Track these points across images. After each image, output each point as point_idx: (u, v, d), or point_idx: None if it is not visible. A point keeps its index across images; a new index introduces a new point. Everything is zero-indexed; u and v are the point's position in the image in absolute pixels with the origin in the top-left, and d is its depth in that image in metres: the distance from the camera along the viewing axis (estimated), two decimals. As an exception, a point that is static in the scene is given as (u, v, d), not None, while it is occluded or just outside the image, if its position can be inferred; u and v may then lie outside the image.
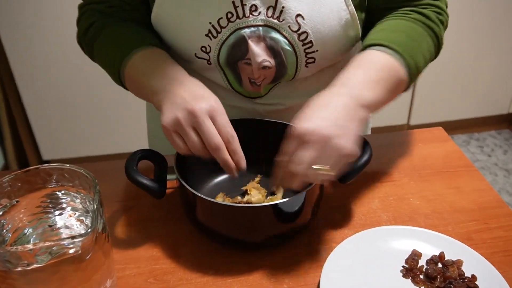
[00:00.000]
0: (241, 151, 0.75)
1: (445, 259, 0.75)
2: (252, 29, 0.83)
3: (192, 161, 0.85)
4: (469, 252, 0.75)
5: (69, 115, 2.41)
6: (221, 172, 0.93)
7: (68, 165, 0.67)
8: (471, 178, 0.95)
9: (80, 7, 0.93)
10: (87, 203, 0.68)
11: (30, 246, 0.55)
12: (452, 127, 2.83)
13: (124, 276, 0.76)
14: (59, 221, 0.69)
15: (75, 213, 0.69)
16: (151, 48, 0.84)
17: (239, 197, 0.86)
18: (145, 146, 1.22)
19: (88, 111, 2.41)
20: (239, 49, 0.85)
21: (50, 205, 0.69)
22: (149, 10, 0.88)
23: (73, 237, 0.56)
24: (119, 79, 0.86)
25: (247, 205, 0.78)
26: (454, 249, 0.76)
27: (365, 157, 0.79)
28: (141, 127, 1.24)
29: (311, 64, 0.88)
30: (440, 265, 0.75)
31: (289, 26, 0.82)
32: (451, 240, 0.78)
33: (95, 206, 0.60)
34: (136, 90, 0.86)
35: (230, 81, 0.92)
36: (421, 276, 0.73)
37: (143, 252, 0.80)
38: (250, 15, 0.82)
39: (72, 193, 0.69)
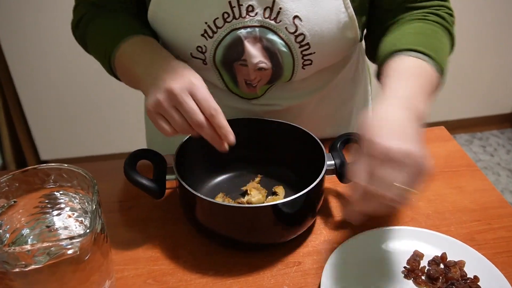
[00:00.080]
0: (227, 124, 0.72)
1: (447, 259, 0.75)
2: (249, 30, 0.82)
3: (191, 161, 0.85)
4: (472, 252, 0.75)
5: (67, 115, 2.41)
6: (221, 172, 0.93)
7: (66, 165, 0.66)
8: (473, 178, 0.95)
9: None
10: (86, 203, 0.67)
11: (28, 247, 0.54)
12: (454, 126, 2.82)
13: (123, 277, 0.75)
14: (57, 221, 0.68)
15: (73, 214, 0.69)
16: (139, 36, 0.84)
17: (242, 199, 0.86)
18: (144, 146, 1.21)
19: (86, 111, 2.41)
20: (235, 50, 0.84)
21: (48, 206, 0.68)
22: (145, 6, 0.87)
23: (71, 238, 0.55)
24: (111, 70, 0.86)
25: (247, 205, 0.77)
26: (456, 250, 0.76)
27: (366, 157, 0.79)
28: (139, 127, 1.23)
29: (308, 66, 0.87)
30: (442, 266, 0.74)
31: (286, 28, 0.81)
32: (453, 241, 0.77)
33: (94, 207, 0.60)
34: (126, 79, 0.86)
35: (226, 82, 0.92)
36: (423, 277, 0.73)
37: (142, 253, 0.79)
38: (247, 16, 0.81)
39: (71, 194, 0.68)
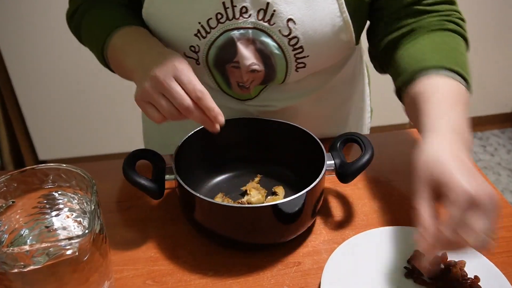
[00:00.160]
0: (215, 106, 0.71)
1: (448, 259, 0.74)
2: (242, 31, 0.81)
3: (191, 161, 0.84)
4: (472, 252, 0.75)
5: (65, 115, 2.40)
6: (220, 172, 0.93)
7: (64, 165, 0.66)
8: (472, 177, 0.94)
9: None
10: (84, 203, 0.67)
11: (26, 247, 0.54)
12: (455, 126, 2.82)
13: (122, 277, 0.75)
14: (56, 222, 0.68)
15: (72, 214, 0.68)
16: (131, 27, 0.84)
17: (241, 199, 0.85)
18: (143, 146, 1.21)
19: (85, 111, 2.40)
20: (228, 51, 0.84)
21: (47, 206, 0.68)
22: (140, 2, 0.87)
23: (70, 238, 0.55)
24: (105, 61, 0.86)
25: (246, 205, 0.77)
26: (457, 250, 0.75)
27: (367, 157, 0.79)
28: (138, 127, 1.23)
29: (301, 69, 0.86)
30: (442, 265, 0.74)
31: (279, 30, 0.80)
32: (453, 241, 0.77)
33: (93, 207, 0.59)
34: (118, 70, 0.86)
35: (218, 83, 0.91)
36: (423, 277, 0.72)
37: (141, 253, 0.79)
38: (240, 17, 0.80)
39: (69, 194, 0.68)
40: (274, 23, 0.80)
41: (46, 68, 2.25)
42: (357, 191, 0.91)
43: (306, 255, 0.78)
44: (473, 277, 0.72)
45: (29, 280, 0.57)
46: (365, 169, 0.79)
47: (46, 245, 0.54)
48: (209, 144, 0.89)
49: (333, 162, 0.81)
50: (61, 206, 0.68)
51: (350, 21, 0.82)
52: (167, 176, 0.78)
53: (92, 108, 2.40)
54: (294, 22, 0.79)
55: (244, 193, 0.87)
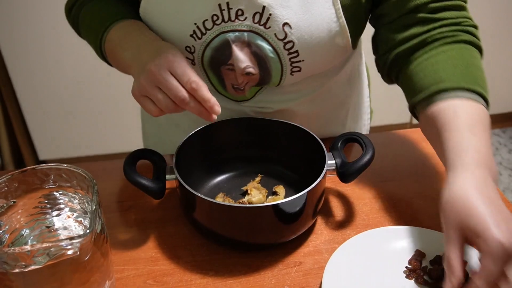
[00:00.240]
0: (211, 97, 0.71)
1: (449, 259, 0.74)
2: (237, 33, 0.81)
3: (191, 160, 0.84)
4: (473, 252, 0.74)
5: (66, 115, 2.40)
6: (221, 171, 0.93)
7: (65, 165, 0.66)
8: (473, 177, 0.94)
9: None
10: (85, 203, 0.67)
11: (27, 247, 0.54)
12: (456, 125, 2.82)
13: (123, 277, 0.75)
14: (57, 222, 0.68)
15: (73, 214, 0.68)
16: (128, 21, 0.84)
17: (242, 198, 0.85)
18: (143, 145, 1.21)
19: (85, 111, 2.40)
20: (223, 53, 0.83)
21: (48, 206, 0.68)
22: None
23: (71, 238, 0.55)
24: (103, 55, 0.87)
25: (247, 205, 0.77)
26: (458, 250, 0.75)
27: (368, 156, 0.78)
28: (139, 127, 1.23)
29: (296, 73, 0.86)
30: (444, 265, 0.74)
31: (275, 34, 0.80)
32: (454, 240, 0.77)
33: (94, 207, 0.59)
34: (116, 64, 0.86)
35: (214, 84, 0.91)
36: (425, 277, 0.72)
37: (142, 253, 0.79)
38: (236, 20, 0.80)
39: (70, 194, 0.68)
40: (269, 27, 0.79)
41: (47, 68, 2.25)
42: (358, 191, 0.91)
43: (307, 255, 0.78)
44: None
45: (30, 280, 0.57)
46: (366, 169, 0.79)
47: (47, 245, 0.54)
48: (209, 144, 0.89)
49: (334, 161, 0.81)
50: (62, 206, 0.68)
51: (346, 26, 0.82)
52: (168, 176, 0.78)
53: (92, 108, 2.39)
54: (290, 26, 0.79)
55: (245, 193, 0.87)
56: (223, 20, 0.80)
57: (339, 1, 0.79)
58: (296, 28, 0.79)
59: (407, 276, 0.73)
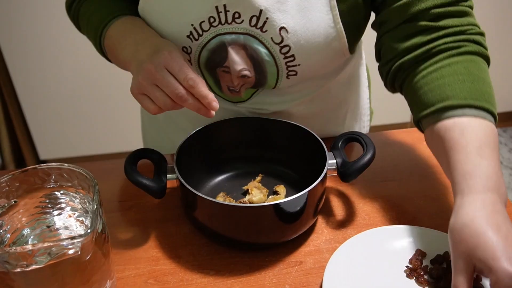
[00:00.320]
0: (208, 92, 0.70)
1: (450, 259, 0.74)
2: (234, 36, 0.81)
3: (192, 160, 0.84)
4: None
5: (66, 114, 2.40)
6: (222, 171, 0.93)
7: (66, 164, 0.66)
8: (474, 177, 0.94)
9: None
10: (86, 203, 0.67)
11: (29, 247, 0.54)
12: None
13: (124, 277, 0.75)
14: (58, 221, 0.68)
15: (74, 214, 0.68)
16: (126, 17, 0.84)
17: (243, 198, 0.85)
18: (143, 145, 1.21)
19: (86, 110, 2.40)
20: (219, 55, 0.84)
21: (49, 206, 0.68)
22: None
23: (72, 238, 0.55)
24: (102, 52, 0.87)
25: (248, 205, 0.77)
26: (458, 249, 0.75)
27: (368, 156, 0.78)
28: (139, 126, 1.23)
29: (292, 77, 0.86)
30: (444, 265, 0.74)
31: (271, 38, 0.80)
32: (455, 240, 0.77)
33: (95, 206, 0.59)
34: (116, 61, 0.86)
35: (210, 86, 0.91)
36: (425, 276, 0.72)
37: (142, 253, 0.79)
38: (233, 22, 0.80)
39: (71, 193, 0.68)
40: (266, 30, 0.79)
41: (47, 67, 2.25)
42: (358, 190, 0.91)
43: (307, 254, 0.78)
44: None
45: (31, 280, 0.57)
46: (367, 169, 0.79)
47: (48, 244, 0.54)
48: (210, 144, 0.89)
49: (334, 161, 0.81)
50: (63, 205, 0.68)
51: (343, 32, 0.81)
52: (168, 176, 0.78)
53: (93, 108, 2.39)
54: (286, 30, 0.79)
55: (246, 193, 0.87)
56: (220, 22, 0.80)
57: (337, 7, 0.79)
58: (292, 33, 0.79)
59: (408, 276, 0.73)
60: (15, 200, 0.65)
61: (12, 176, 0.65)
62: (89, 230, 0.56)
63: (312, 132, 0.85)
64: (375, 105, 1.19)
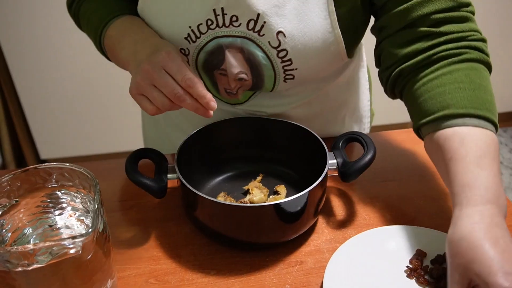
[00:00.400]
0: (207, 93, 0.71)
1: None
2: (231, 39, 0.81)
3: (193, 160, 0.84)
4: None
5: (67, 114, 2.40)
6: (222, 171, 0.93)
7: (68, 164, 0.66)
8: (474, 177, 0.94)
9: None
10: (87, 203, 0.67)
11: (30, 246, 0.54)
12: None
13: (125, 276, 0.75)
14: (59, 221, 0.68)
15: (75, 213, 0.68)
16: (125, 17, 0.84)
17: (244, 198, 0.85)
18: (143, 145, 1.21)
19: (86, 110, 2.40)
20: (216, 58, 0.84)
21: (50, 205, 0.68)
22: None
23: (73, 237, 0.55)
24: (102, 51, 0.87)
25: (249, 204, 0.77)
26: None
27: (369, 156, 0.79)
28: (140, 126, 1.23)
29: (290, 80, 0.86)
30: (445, 265, 0.74)
31: (269, 42, 0.80)
32: (455, 240, 0.77)
33: (96, 206, 0.59)
34: (116, 61, 0.86)
35: (207, 87, 0.91)
36: (426, 276, 0.72)
37: (143, 252, 0.79)
38: (230, 25, 0.80)
39: (72, 193, 0.68)
40: (263, 34, 0.79)
41: (48, 67, 2.25)
42: (359, 190, 0.91)
43: (308, 254, 0.78)
44: None
45: (32, 279, 0.57)
46: (367, 169, 0.79)
47: (50, 244, 0.54)
48: (211, 144, 0.89)
49: (335, 161, 0.81)
50: (64, 205, 0.68)
51: (341, 37, 0.81)
52: (169, 175, 0.78)
53: (93, 107, 2.40)
54: (284, 35, 0.79)
55: (246, 192, 0.87)
56: (217, 25, 0.80)
57: (335, 12, 0.78)
58: (290, 37, 0.79)
59: (408, 276, 0.73)
60: (16, 199, 0.66)
61: (13, 176, 0.65)
62: (90, 230, 0.56)
63: (312, 132, 0.85)
64: (375, 105, 1.19)
